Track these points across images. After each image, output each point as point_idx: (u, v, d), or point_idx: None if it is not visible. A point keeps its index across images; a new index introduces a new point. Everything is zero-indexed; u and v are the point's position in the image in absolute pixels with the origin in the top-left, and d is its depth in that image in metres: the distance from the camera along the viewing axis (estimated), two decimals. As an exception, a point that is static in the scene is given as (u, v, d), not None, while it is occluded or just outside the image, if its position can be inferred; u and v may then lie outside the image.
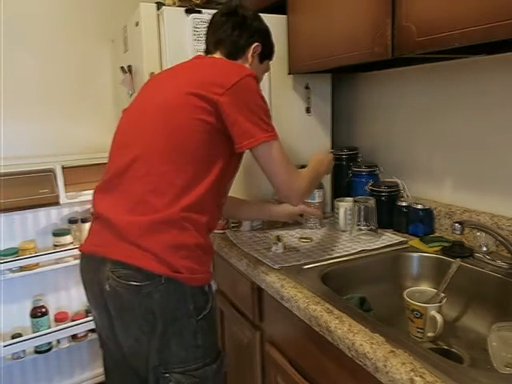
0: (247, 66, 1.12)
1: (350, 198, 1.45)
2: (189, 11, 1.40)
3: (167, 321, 0.93)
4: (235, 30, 1.11)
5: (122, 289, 0.92)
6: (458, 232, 1.02)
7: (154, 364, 0.97)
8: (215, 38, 1.12)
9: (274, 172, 1.02)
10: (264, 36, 1.16)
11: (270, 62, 1.25)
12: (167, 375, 0.96)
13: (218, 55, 1.12)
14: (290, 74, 1.57)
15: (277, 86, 1.55)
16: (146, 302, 0.92)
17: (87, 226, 1.89)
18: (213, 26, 1.14)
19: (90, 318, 1.88)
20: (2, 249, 1.78)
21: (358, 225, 1.35)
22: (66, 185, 1.84)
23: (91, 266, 0.99)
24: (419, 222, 1.36)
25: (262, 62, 1.18)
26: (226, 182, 1.07)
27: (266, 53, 1.19)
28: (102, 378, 2.06)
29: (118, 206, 0.97)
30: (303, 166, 1.59)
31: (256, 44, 1.13)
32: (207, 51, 1.16)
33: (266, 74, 1.28)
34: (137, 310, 0.93)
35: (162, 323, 0.93)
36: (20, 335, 1.79)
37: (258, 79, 1.04)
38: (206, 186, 0.97)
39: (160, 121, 0.98)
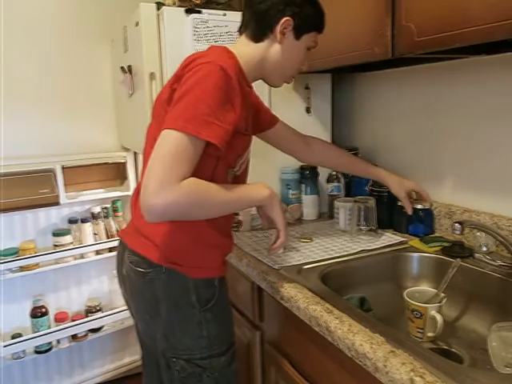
0: (276, 45, 0.98)
1: (350, 198, 1.45)
2: (189, 11, 1.40)
3: (170, 308, 0.95)
4: (261, 4, 0.96)
5: (132, 273, 0.98)
6: (458, 232, 1.03)
7: (163, 347, 0.98)
8: (244, 19, 1.01)
9: (152, 162, 0.80)
10: (297, 6, 0.96)
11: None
12: (174, 360, 0.97)
13: (241, 40, 1.01)
14: (290, 73, 1.56)
15: (277, 86, 1.55)
16: (150, 287, 0.95)
17: (87, 225, 1.90)
18: (245, 4, 1.02)
19: (90, 318, 1.89)
20: (2, 249, 1.78)
21: (358, 225, 1.35)
22: (66, 185, 1.84)
23: (119, 250, 1.07)
24: (419, 222, 1.36)
25: (299, 37, 0.99)
26: (224, 172, 0.95)
27: (304, 26, 0.98)
28: (101, 378, 2.07)
29: (134, 196, 1.03)
30: (302, 167, 1.61)
31: (285, 18, 0.95)
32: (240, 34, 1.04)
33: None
34: (143, 294, 0.97)
35: (165, 309, 0.95)
36: (20, 335, 1.78)
37: (224, 70, 0.84)
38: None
39: (154, 114, 0.99)
